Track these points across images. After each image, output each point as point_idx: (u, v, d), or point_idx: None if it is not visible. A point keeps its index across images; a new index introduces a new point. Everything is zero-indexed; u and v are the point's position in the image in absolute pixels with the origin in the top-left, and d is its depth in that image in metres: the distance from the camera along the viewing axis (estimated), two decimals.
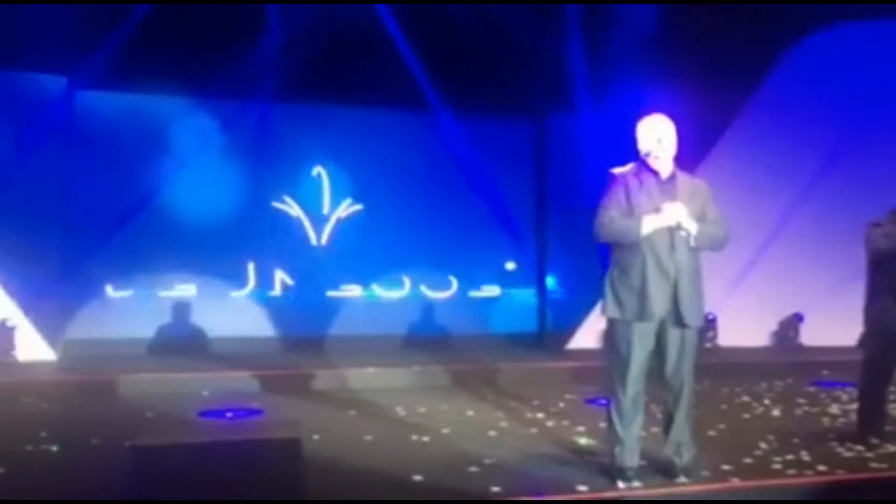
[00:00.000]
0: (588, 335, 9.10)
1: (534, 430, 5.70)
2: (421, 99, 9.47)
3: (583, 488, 4.17)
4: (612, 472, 4.29)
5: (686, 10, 8.70)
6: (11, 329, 8.10)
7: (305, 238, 9.80)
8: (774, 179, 9.76)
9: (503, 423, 5.88)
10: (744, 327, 9.62)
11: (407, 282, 10.04)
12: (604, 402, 4.44)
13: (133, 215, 8.93)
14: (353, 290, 9.89)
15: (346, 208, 9.93)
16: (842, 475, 4.48)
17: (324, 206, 9.87)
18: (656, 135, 4.28)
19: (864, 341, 5.31)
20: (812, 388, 7.58)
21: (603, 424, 4.49)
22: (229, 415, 6.19)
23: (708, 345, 9.25)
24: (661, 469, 4.36)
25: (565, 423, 5.88)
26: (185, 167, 9.10)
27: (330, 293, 9.81)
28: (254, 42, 8.77)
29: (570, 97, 9.40)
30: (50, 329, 8.46)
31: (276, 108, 9.40)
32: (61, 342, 8.52)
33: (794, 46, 9.80)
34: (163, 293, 9.21)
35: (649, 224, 4.20)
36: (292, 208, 9.76)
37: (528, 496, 4.15)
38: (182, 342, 8.96)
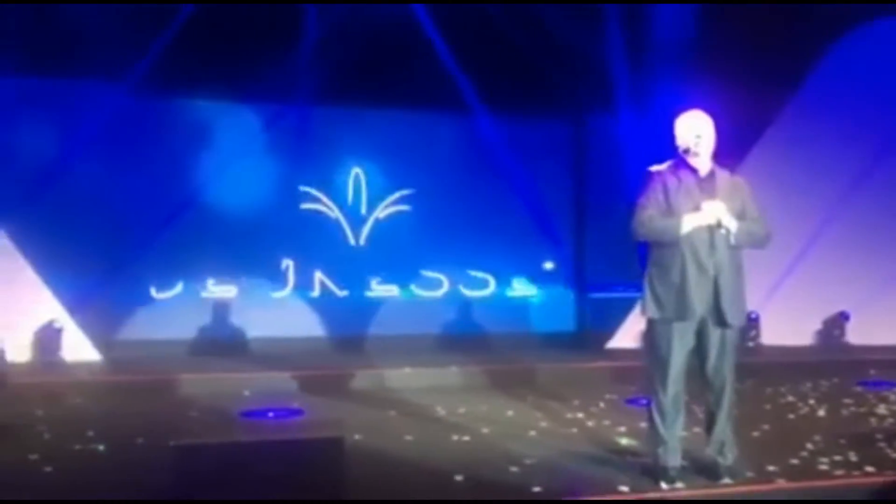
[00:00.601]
0: (628, 335, 9.03)
1: (574, 430, 5.67)
2: (459, 99, 9.47)
3: (624, 489, 4.14)
4: (655, 472, 4.25)
5: (726, 10, 8.59)
6: (58, 330, 8.26)
7: (344, 238, 9.86)
8: (818, 177, 9.61)
9: (543, 423, 5.86)
10: (788, 326, 9.48)
11: (445, 281, 10.05)
12: (644, 401, 4.41)
13: (176, 218, 9.05)
14: (391, 290, 9.93)
15: (384, 209, 9.97)
16: (890, 476, 4.39)
17: (362, 207, 9.93)
18: (695, 130, 4.24)
19: None
20: (858, 388, 7.44)
21: (644, 424, 4.46)
22: (271, 414, 6.25)
23: (751, 344, 9.12)
24: (705, 470, 4.31)
25: (606, 423, 5.84)
26: (226, 169, 9.20)
27: (368, 293, 9.85)
28: (293, 45, 8.85)
29: (609, 97, 9.34)
30: (95, 330, 8.61)
31: (315, 109, 9.47)
32: (106, 343, 8.67)
33: (835, 45, 9.63)
34: (205, 294, 9.33)
35: (689, 222, 4.15)
36: (331, 209, 9.83)
37: (569, 496, 4.13)
38: (223, 343, 9.06)
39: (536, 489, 4.14)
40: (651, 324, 4.31)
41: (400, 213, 10.00)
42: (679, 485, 4.16)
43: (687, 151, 4.25)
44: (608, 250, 9.38)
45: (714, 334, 4.22)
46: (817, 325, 9.85)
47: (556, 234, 10.29)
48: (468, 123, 9.83)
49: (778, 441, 5.24)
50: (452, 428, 5.67)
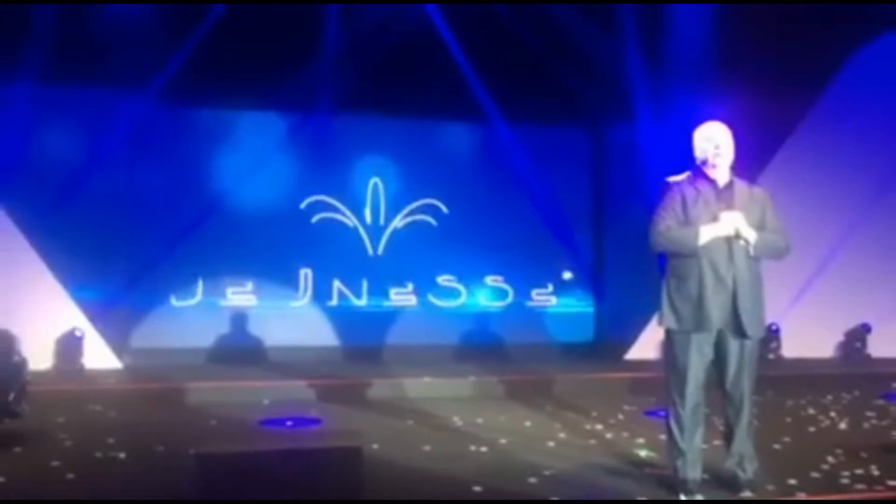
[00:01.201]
0: (647, 346, 8.99)
1: (592, 441, 5.65)
2: (478, 109, 9.50)
3: (644, 500, 4.12)
4: (674, 484, 4.23)
5: (746, 19, 8.56)
6: (80, 338, 8.33)
7: (362, 248, 9.89)
8: (839, 187, 9.55)
9: (561, 434, 5.84)
10: (809, 338, 9.41)
11: (463, 291, 10.05)
12: (663, 413, 4.39)
13: (196, 226, 9.12)
14: (409, 300, 9.94)
15: (403, 218, 10.00)
16: None
17: (380, 217, 9.96)
18: (714, 142, 4.23)
19: None
20: (880, 401, 7.37)
21: (663, 436, 4.43)
22: (289, 423, 6.27)
23: (771, 356, 9.06)
24: (725, 482, 4.28)
25: (625, 434, 5.82)
26: (245, 178, 9.28)
27: (386, 303, 9.87)
28: (313, 55, 8.92)
29: (628, 106, 9.32)
30: (116, 338, 8.69)
31: (334, 119, 9.52)
32: (127, 351, 8.75)
33: (856, 54, 9.57)
34: (224, 303, 9.39)
35: (707, 233, 4.14)
36: (349, 219, 9.87)
37: None
38: (242, 351, 9.11)
39: (555, 500, 4.12)
40: (669, 335, 4.29)
41: (418, 222, 10.02)
42: (698, 497, 4.14)
43: (705, 163, 4.25)
44: (627, 260, 9.35)
45: (733, 346, 4.20)
46: (839, 337, 9.77)
47: (574, 244, 10.28)
48: (487, 133, 9.86)
49: (799, 454, 5.19)
50: (470, 438, 5.66)
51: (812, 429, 6.14)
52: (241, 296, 9.44)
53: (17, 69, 8.07)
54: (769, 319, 4.54)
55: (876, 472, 4.69)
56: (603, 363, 9.14)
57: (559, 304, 10.32)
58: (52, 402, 6.61)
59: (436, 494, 4.29)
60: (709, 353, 4.22)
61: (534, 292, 10.25)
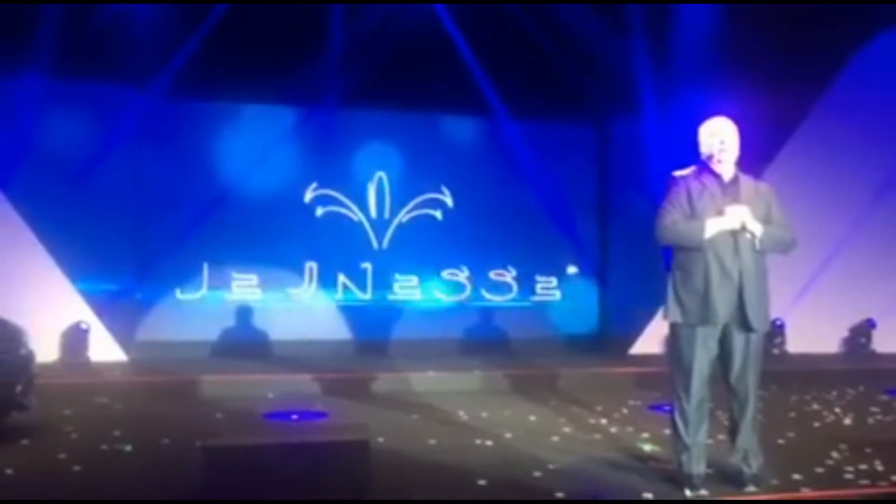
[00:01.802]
0: (652, 340, 9.00)
1: (597, 435, 5.66)
2: (484, 104, 9.51)
3: (648, 495, 4.13)
4: (679, 479, 4.23)
5: (750, 14, 8.55)
6: (86, 331, 8.37)
7: (367, 242, 9.91)
8: (845, 183, 9.54)
9: (566, 429, 5.85)
10: (813, 334, 9.41)
11: (468, 285, 10.06)
12: (668, 408, 4.39)
13: (201, 220, 9.15)
14: (414, 294, 9.96)
15: (408, 212, 10.01)
16: None
17: (386, 211, 9.97)
18: (720, 137, 4.23)
19: None
20: (885, 397, 7.36)
21: (668, 431, 4.44)
22: (295, 416, 6.29)
23: (776, 351, 9.07)
24: (729, 477, 4.29)
25: (629, 429, 5.83)
26: (251, 173, 9.30)
27: (391, 296, 9.89)
28: (319, 49, 8.93)
29: (633, 101, 9.32)
30: (122, 331, 8.73)
31: (339, 113, 9.53)
32: (132, 343, 8.78)
33: (862, 49, 9.55)
34: (229, 296, 9.41)
35: (713, 227, 4.14)
36: (354, 213, 9.88)
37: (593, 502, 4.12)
38: (247, 345, 9.15)
39: (559, 494, 4.14)
40: (674, 328, 4.29)
41: (423, 216, 10.03)
42: (703, 492, 4.14)
43: (711, 158, 4.25)
44: (633, 254, 9.37)
45: (738, 340, 4.20)
46: (843, 332, 9.77)
47: (579, 239, 10.28)
48: (492, 128, 9.87)
49: (803, 449, 5.20)
50: (475, 432, 5.68)
51: (816, 424, 6.15)
52: (246, 289, 9.47)
53: (24, 62, 8.10)
54: (774, 315, 4.53)
55: (880, 468, 4.69)
56: (607, 358, 9.15)
57: (564, 298, 10.33)
58: (59, 395, 6.64)
59: (441, 488, 4.31)
60: (714, 347, 4.22)
61: (539, 286, 10.26)
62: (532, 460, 4.83)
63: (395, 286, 9.92)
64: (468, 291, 10.06)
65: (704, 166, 4.29)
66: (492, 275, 10.12)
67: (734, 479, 4.26)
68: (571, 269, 10.34)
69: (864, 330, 9.64)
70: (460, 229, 9.94)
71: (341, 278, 9.78)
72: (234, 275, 9.41)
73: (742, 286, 4.14)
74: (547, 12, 9.05)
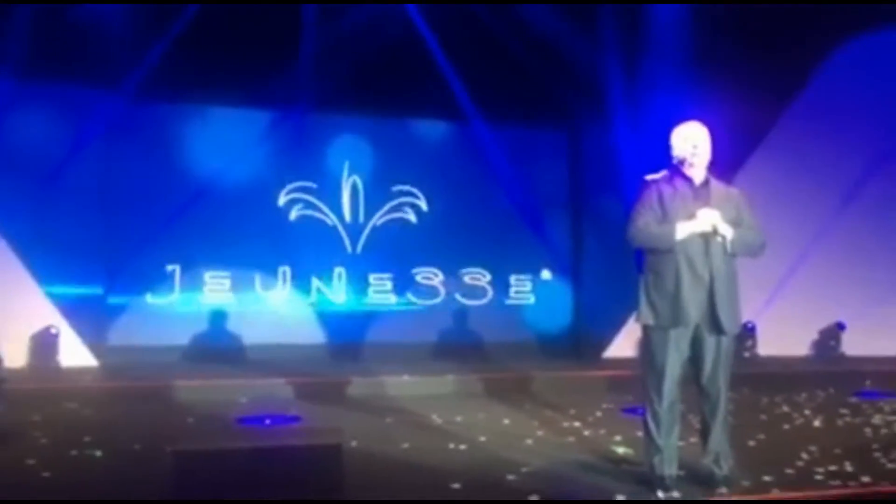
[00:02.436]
0: (625, 344, 9.06)
1: (571, 438, 5.68)
2: (457, 108, 9.54)
3: (621, 497, 4.15)
4: (651, 481, 4.26)
5: (724, 18, 8.64)
6: (55, 335, 8.26)
7: (341, 246, 9.87)
8: (815, 186, 9.67)
9: (540, 432, 5.87)
10: (783, 336, 9.51)
11: (442, 289, 10.06)
12: (641, 411, 4.42)
13: (173, 224, 9.07)
14: (388, 298, 9.94)
15: (381, 216, 9.99)
16: (886, 486, 4.40)
17: (360, 215, 9.95)
18: (692, 141, 4.28)
19: None
20: (854, 399, 7.46)
21: (640, 433, 4.47)
22: (268, 421, 6.25)
23: (747, 354, 9.15)
24: (701, 479, 4.32)
25: (602, 432, 5.85)
26: (223, 176, 9.24)
27: (365, 300, 9.87)
28: (293, 53, 8.89)
29: (605, 105, 9.39)
30: (92, 335, 8.63)
31: (313, 117, 9.51)
32: (103, 348, 8.68)
33: (831, 55, 9.69)
34: (201, 301, 9.34)
35: (683, 229, 4.18)
36: (328, 216, 9.85)
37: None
38: (220, 349, 9.07)
39: (533, 497, 4.14)
40: (646, 331, 4.32)
41: (397, 220, 10.02)
42: (675, 494, 4.17)
43: (683, 162, 4.29)
44: (605, 258, 9.42)
45: (709, 343, 4.24)
46: (813, 335, 9.88)
47: (552, 243, 10.33)
48: (466, 131, 9.90)
49: (773, 451, 5.25)
50: (449, 436, 5.67)
51: (787, 426, 6.21)
52: (218, 293, 9.39)
53: None
54: (745, 318, 4.57)
55: (850, 469, 4.75)
56: (581, 361, 9.18)
57: (537, 301, 10.36)
58: (28, 400, 6.55)
59: (415, 492, 4.29)
60: (685, 349, 4.26)
61: (512, 290, 10.29)
62: (506, 463, 4.83)
63: (369, 290, 9.89)
64: (442, 295, 10.06)
65: (676, 170, 4.33)
66: (466, 278, 10.13)
67: (706, 480, 4.29)
68: (545, 274, 10.38)
69: (833, 333, 9.77)
70: (434, 233, 9.95)
71: (315, 282, 9.74)
72: (207, 278, 9.34)
73: (713, 289, 4.18)
74: (519, 16, 9.09)
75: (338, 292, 9.80)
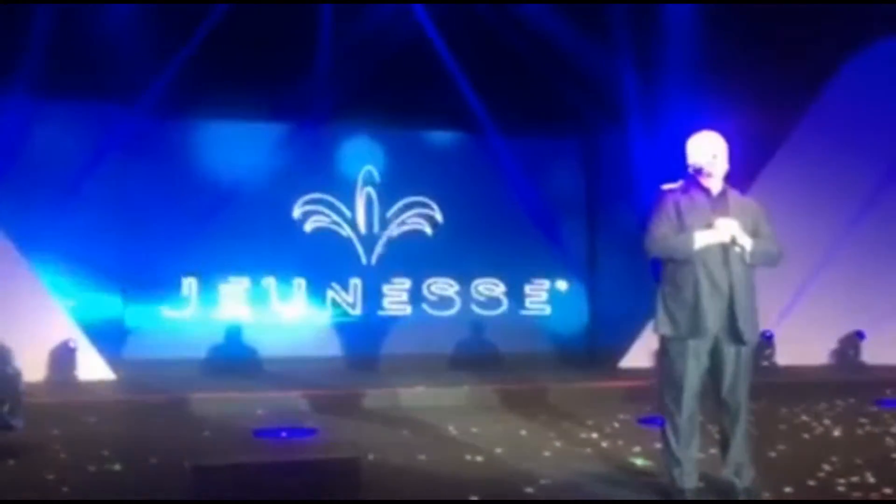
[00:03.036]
0: (641, 354, 9.01)
1: (588, 450, 5.64)
2: (473, 119, 9.56)
3: None
4: (671, 493, 4.22)
5: (739, 28, 8.62)
6: (73, 349, 8.31)
7: (356, 257, 9.89)
8: (833, 195, 9.61)
9: (557, 444, 5.83)
10: (802, 345, 9.44)
11: (457, 300, 10.05)
12: (659, 422, 4.38)
13: (189, 238, 9.12)
14: (403, 309, 9.94)
15: (397, 228, 10.00)
16: None
17: (375, 226, 9.96)
18: (711, 150, 4.24)
19: None
20: (874, 408, 7.38)
21: (659, 445, 4.43)
22: (284, 434, 6.24)
23: (765, 363, 9.09)
24: (721, 491, 4.27)
25: (620, 443, 5.81)
26: (239, 189, 9.29)
27: (381, 312, 9.87)
28: (308, 65, 8.95)
29: (621, 115, 9.37)
30: (110, 349, 8.66)
31: (327, 129, 9.55)
32: (120, 362, 8.71)
33: (848, 63, 9.65)
34: (217, 314, 9.37)
35: (703, 239, 4.14)
36: (343, 228, 9.87)
37: None
38: (236, 362, 9.10)
39: None
40: (664, 342, 4.28)
41: (412, 231, 10.03)
42: None
43: (700, 171, 4.26)
44: (621, 268, 9.39)
45: (729, 353, 4.20)
46: (832, 344, 9.80)
47: (568, 254, 10.31)
48: (481, 141, 9.91)
49: (794, 462, 5.20)
50: (466, 447, 5.65)
51: (807, 436, 6.15)
52: (234, 306, 9.42)
53: (10, 80, 8.07)
54: (763, 327, 4.53)
55: (871, 480, 4.69)
56: (598, 371, 9.13)
57: (554, 311, 10.33)
58: (47, 415, 6.57)
59: None
60: (705, 360, 4.21)
61: (528, 300, 10.27)
62: (523, 476, 4.80)
63: (385, 301, 9.90)
64: (458, 306, 10.05)
65: (693, 180, 4.30)
66: (482, 289, 10.11)
67: (726, 492, 4.24)
68: (562, 285, 10.35)
69: (853, 341, 9.69)
70: (450, 244, 9.95)
71: (330, 294, 9.75)
72: (223, 291, 9.37)
73: (732, 298, 4.14)
74: (534, 26, 9.10)
75: (353, 304, 9.81)
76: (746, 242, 4.15)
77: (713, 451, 4.72)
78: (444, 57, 9.24)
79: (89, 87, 8.26)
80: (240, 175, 9.30)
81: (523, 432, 6.28)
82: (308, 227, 9.74)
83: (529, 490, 4.51)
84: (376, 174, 9.93)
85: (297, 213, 9.69)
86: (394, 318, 9.91)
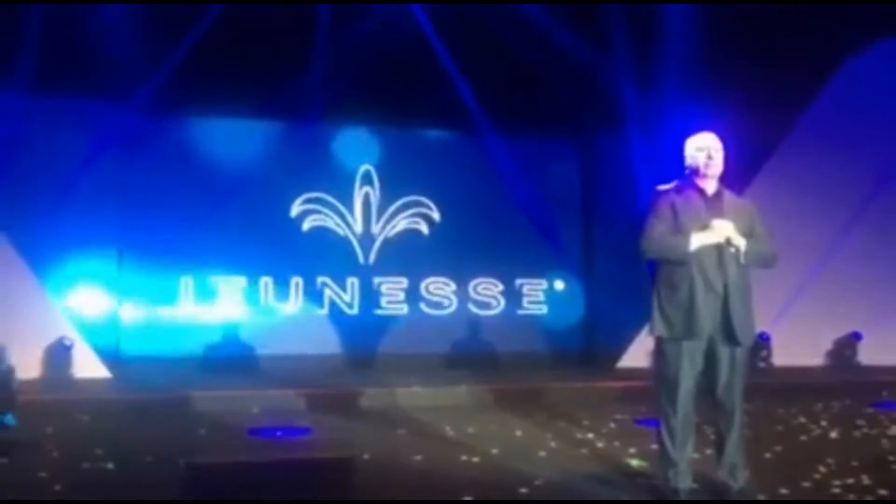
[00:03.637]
0: (637, 354, 9.00)
1: (584, 450, 5.64)
2: (468, 119, 9.54)
3: None
4: (666, 494, 4.21)
5: (736, 30, 8.61)
6: (69, 347, 8.28)
7: (353, 256, 9.88)
8: (829, 196, 9.61)
9: (552, 444, 5.83)
10: (799, 347, 9.44)
11: (454, 299, 10.05)
12: (654, 422, 4.38)
13: (185, 235, 9.10)
14: (400, 308, 9.93)
15: (394, 227, 9.99)
16: None
17: (372, 225, 9.96)
18: (707, 151, 4.24)
19: None
20: (871, 410, 7.38)
21: (654, 446, 4.42)
22: (279, 433, 6.23)
23: (762, 364, 9.08)
24: (716, 492, 4.27)
25: (616, 443, 5.81)
26: (236, 187, 9.26)
27: (377, 311, 9.86)
28: (305, 64, 8.92)
29: (617, 116, 9.36)
30: (106, 347, 8.65)
31: (324, 128, 9.53)
32: (117, 360, 8.70)
33: (845, 65, 9.65)
34: (213, 312, 9.35)
35: (698, 240, 4.14)
36: (340, 227, 9.86)
37: None
38: (232, 360, 9.09)
39: None
40: (660, 343, 4.28)
41: (409, 231, 10.02)
42: None
43: (696, 171, 4.26)
44: (618, 269, 9.36)
45: (724, 354, 4.20)
46: (829, 345, 9.80)
47: (565, 254, 10.30)
48: (478, 141, 9.90)
49: (790, 463, 5.19)
50: (461, 448, 5.64)
51: (803, 438, 6.15)
52: (231, 304, 9.40)
53: (4, 77, 8.04)
54: (759, 328, 4.52)
55: (867, 482, 4.69)
56: (594, 372, 9.13)
57: (550, 311, 10.33)
58: (40, 412, 6.55)
59: None
60: (700, 361, 4.21)
61: (525, 301, 10.26)
62: (519, 476, 4.80)
63: (382, 300, 9.89)
64: (454, 305, 10.05)
65: (688, 180, 4.30)
66: (478, 288, 10.11)
67: (721, 493, 4.24)
68: (558, 284, 10.35)
69: (849, 342, 9.69)
70: (447, 243, 9.94)
71: (327, 292, 9.74)
72: (219, 289, 9.36)
73: (727, 299, 4.14)
74: (532, 27, 9.08)
75: (350, 303, 9.80)
76: (741, 243, 4.15)
77: (708, 451, 4.72)
78: (442, 56, 9.22)
79: (85, 85, 8.23)
80: (237, 173, 9.27)
81: (519, 432, 6.27)
82: (305, 225, 9.73)
83: (524, 490, 4.51)
84: (374, 173, 9.92)
85: (294, 211, 9.67)
86: (390, 317, 9.90)
